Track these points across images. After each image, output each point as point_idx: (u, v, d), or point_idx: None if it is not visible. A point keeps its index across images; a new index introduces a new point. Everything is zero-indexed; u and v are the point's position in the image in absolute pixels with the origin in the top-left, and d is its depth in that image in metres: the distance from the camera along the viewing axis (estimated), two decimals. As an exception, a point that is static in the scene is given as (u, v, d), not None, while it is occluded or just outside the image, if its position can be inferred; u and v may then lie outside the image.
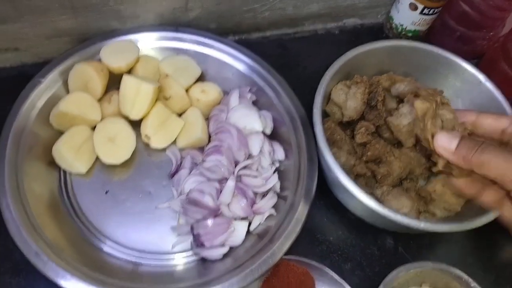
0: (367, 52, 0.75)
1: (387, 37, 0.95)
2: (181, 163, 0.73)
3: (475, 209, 0.67)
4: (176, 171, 0.72)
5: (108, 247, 0.67)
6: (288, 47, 0.91)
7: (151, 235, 0.68)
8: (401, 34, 0.92)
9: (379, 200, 0.68)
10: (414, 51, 0.77)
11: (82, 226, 0.68)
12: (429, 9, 0.85)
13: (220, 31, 0.85)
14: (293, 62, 0.89)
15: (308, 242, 0.71)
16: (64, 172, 0.71)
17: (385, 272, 0.64)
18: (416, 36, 0.92)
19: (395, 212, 0.61)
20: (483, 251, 0.75)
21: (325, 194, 0.73)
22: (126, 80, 0.70)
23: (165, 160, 0.74)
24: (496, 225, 0.67)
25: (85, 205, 0.69)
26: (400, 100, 0.76)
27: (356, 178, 0.71)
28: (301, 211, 0.66)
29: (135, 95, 0.70)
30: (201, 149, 0.74)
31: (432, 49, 0.77)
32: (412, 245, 0.73)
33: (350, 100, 0.72)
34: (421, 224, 0.61)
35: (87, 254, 0.64)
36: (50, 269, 0.58)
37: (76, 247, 0.64)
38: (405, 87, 0.76)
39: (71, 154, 0.68)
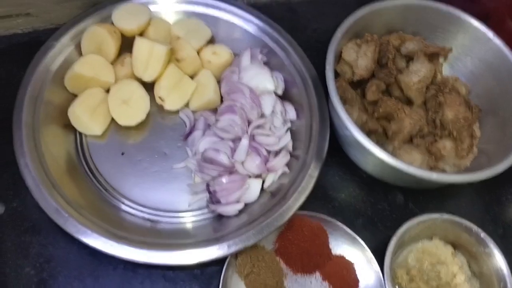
0: (377, 11, 0.75)
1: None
2: (194, 124, 0.74)
3: (484, 164, 0.68)
4: (190, 133, 0.73)
5: (126, 206, 0.68)
6: (298, 10, 0.91)
7: (167, 194, 0.70)
8: (410, -5, 0.92)
9: (390, 154, 0.69)
10: (423, 9, 0.77)
11: (99, 186, 0.69)
12: (439, -32, 0.85)
13: (230, -5, 0.85)
14: (302, 25, 0.89)
15: (321, 199, 0.72)
16: (80, 134, 0.72)
17: (395, 227, 0.66)
18: (425, -4, 0.91)
19: (408, 165, 0.62)
20: (492, 205, 0.76)
21: (337, 153, 0.75)
22: (139, 42, 0.71)
23: (178, 122, 0.75)
24: (504, 180, 0.69)
25: (101, 166, 0.71)
26: (409, 59, 0.77)
27: (367, 135, 0.72)
28: (313, 168, 0.67)
29: (148, 57, 0.71)
30: (214, 110, 0.75)
31: (442, 7, 0.77)
32: (421, 201, 0.75)
33: (361, 59, 0.73)
34: (433, 175, 0.62)
35: (105, 212, 0.66)
36: (70, 225, 0.60)
37: (95, 205, 0.66)
38: (415, 45, 0.76)
39: (86, 116, 0.69)
